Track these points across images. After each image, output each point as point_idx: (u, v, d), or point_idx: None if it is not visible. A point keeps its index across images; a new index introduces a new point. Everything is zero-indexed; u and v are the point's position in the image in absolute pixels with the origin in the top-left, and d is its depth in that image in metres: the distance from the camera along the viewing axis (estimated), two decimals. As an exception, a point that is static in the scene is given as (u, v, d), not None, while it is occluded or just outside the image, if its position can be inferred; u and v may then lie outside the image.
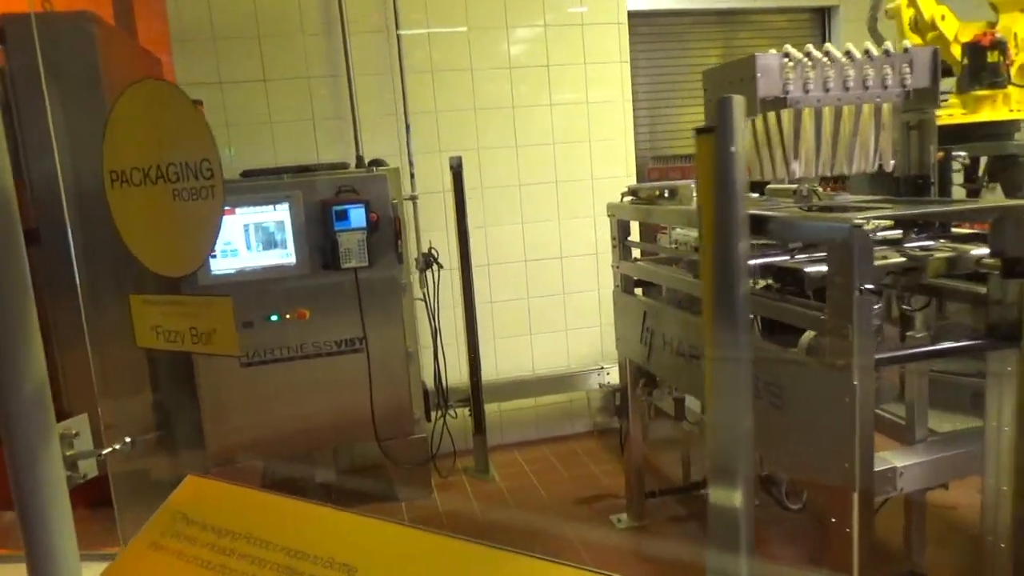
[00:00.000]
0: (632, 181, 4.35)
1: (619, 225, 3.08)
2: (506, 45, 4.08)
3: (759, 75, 1.93)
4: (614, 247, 3.13)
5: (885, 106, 2.07)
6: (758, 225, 2.07)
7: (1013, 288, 1.83)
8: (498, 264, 4.21)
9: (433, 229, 3.97)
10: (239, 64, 3.81)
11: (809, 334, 2.63)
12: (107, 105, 3.73)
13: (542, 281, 4.29)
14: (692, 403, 3.27)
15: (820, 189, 2.31)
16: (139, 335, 1.76)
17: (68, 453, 1.74)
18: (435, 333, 3.85)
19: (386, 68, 3.95)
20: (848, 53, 2.01)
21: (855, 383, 1.73)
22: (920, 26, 3.39)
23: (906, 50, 2.04)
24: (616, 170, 4.30)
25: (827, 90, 2.00)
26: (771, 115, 2.05)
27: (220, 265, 3.32)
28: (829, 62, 1.99)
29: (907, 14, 3.49)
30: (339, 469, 3.91)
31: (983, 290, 1.89)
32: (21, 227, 1.40)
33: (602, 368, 4.25)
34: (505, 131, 4.13)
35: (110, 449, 1.88)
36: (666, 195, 2.76)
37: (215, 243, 1.56)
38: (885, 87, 2.03)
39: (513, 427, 4.35)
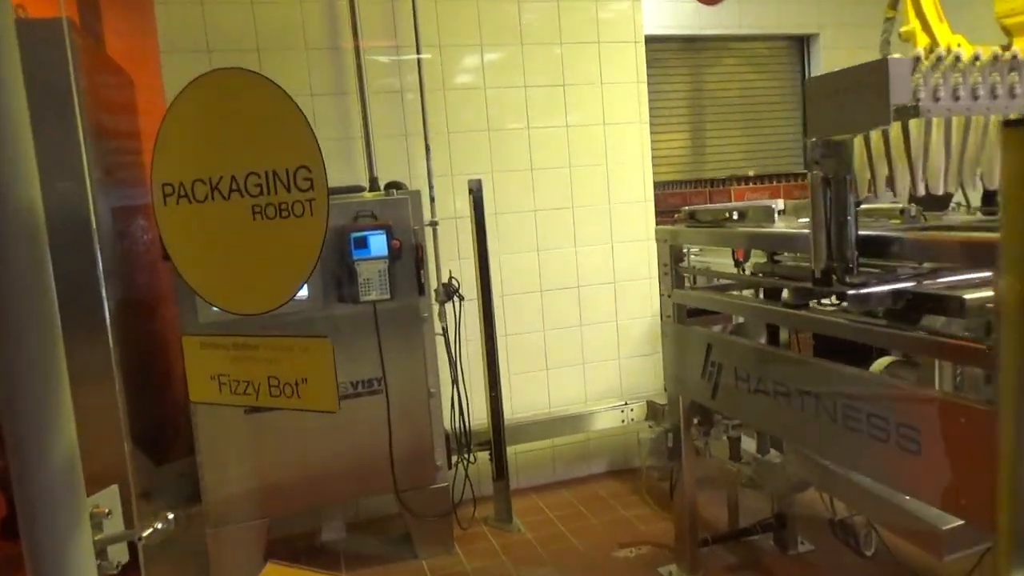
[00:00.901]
0: (650, 206, 4.15)
1: (671, 251, 2.86)
2: (521, 63, 3.85)
3: (892, 80, 1.73)
4: (665, 274, 2.89)
5: (1001, 117, 1.89)
6: (893, 246, 1.86)
7: None
8: (513, 295, 3.94)
9: (446, 258, 3.68)
10: (236, 79, 3.48)
11: (883, 360, 2.42)
12: (81, 119, 3.33)
13: (558, 312, 4.03)
14: (747, 443, 3.04)
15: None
16: (194, 387, 1.43)
17: (97, 538, 1.39)
18: (456, 371, 3.54)
19: (391, 86, 3.68)
20: (976, 56, 1.83)
21: (1037, 425, 1.51)
22: None
23: (1016, 58, 1.87)
24: (634, 195, 4.10)
25: (956, 99, 1.82)
26: (894, 126, 1.85)
27: (223, 299, 2.96)
28: (957, 69, 1.81)
29: (922, 41, 3.38)
30: (347, 522, 3.54)
31: None
32: (51, 264, 1.09)
33: (626, 404, 4.00)
34: (520, 153, 3.89)
35: (150, 530, 1.53)
36: (735, 216, 2.54)
37: (311, 272, 1.25)
38: (1013, 96, 1.86)
39: (528, 469, 4.05)
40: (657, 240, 2.91)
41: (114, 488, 1.47)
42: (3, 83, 1.01)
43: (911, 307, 1.80)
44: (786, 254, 2.51)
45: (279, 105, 1.24)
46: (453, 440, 3.53)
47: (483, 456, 3.67)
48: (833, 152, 1.85)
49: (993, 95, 1.85)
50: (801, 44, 6.87)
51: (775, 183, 4.78)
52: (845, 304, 2.01)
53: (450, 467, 3.44)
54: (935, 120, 1.85)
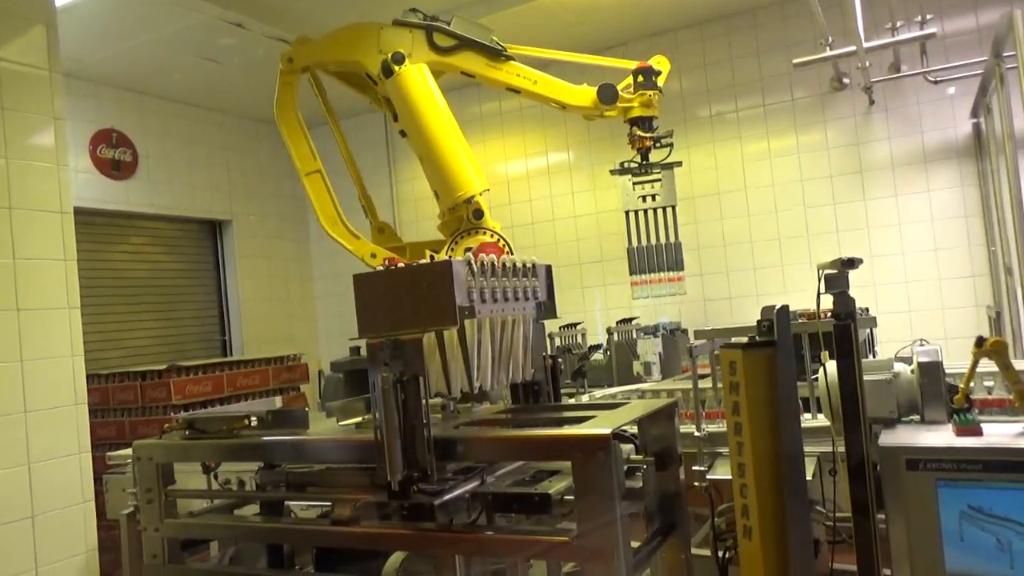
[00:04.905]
0: (84, 410, 3.32)
1: (159, 472, 2.26)
2: None
3: (456, 283, 1.73)
4: (150, 502, 2.26)
5: (525, 317, 2.10)
6: (463, 447, 1.80)
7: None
8: None
9: None
10: None
11: (397, 556, 2.28)
12: None
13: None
14: None
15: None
16: None
17: None
18: None
19: None
20: (503, 266, 1.99)
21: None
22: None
23: (533, 266, 2.13)
24: (62, 398, 3.22)
25: (496, 300, 1.92)
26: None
27: None
28: (495, 274, 1.93)
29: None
30: None
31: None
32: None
33: None
34: None
35: None
36: (253, 423, 2.18)
37: None
38: (527, 299, 2.08)
39: None
40: (138, 459, 2.28)
41: None
42: None
43: (493, 507, 1.75)
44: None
45: None
46: None
47: None
48: (403, 352, 1.74)
49: (516, 297, 2.03)
50: (213, 228, 6.83)
51: (223, 371, 4.41)
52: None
53: None
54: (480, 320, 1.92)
